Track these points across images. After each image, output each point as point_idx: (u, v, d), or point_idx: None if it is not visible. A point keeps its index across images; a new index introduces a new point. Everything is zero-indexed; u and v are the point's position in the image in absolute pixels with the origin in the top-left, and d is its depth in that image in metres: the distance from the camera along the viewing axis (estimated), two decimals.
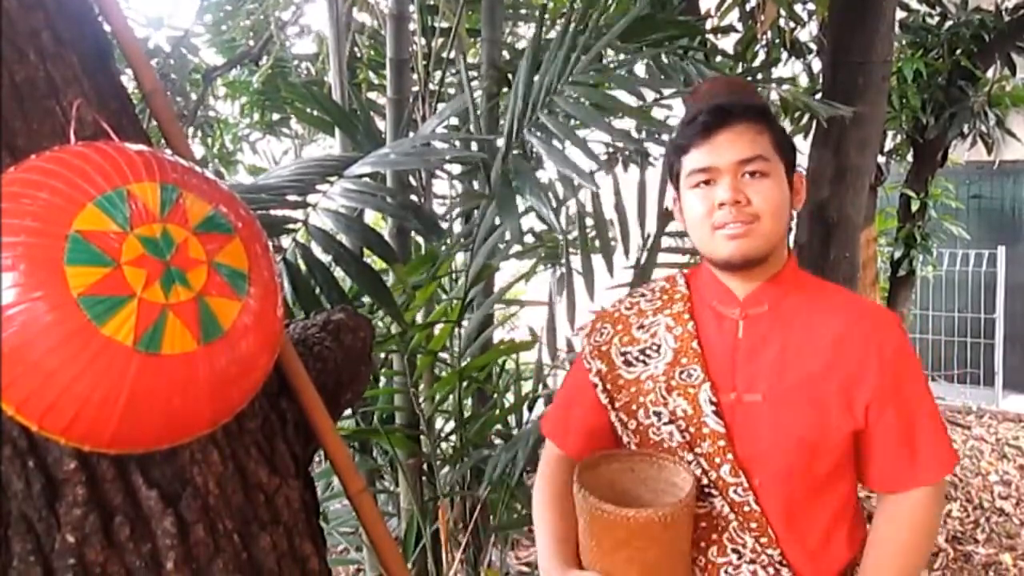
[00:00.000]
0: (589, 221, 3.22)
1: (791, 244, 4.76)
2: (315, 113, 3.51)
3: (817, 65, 5.67)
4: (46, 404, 0.99)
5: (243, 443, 1.31)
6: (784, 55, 5.45)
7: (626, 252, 3.11)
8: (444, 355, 3.34)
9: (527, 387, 3.71)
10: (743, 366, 1.69)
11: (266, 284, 1.16)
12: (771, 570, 1.65)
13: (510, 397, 3.64)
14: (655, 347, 1.78)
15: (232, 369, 1.10)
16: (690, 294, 1.81)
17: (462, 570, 3.07)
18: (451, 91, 4.05)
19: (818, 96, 4.56)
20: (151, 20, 5.06)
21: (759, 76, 4.60)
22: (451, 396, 3.18)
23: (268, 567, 1.29)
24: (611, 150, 4.21)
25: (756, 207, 1.63)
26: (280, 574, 1.31)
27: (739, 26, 4.98)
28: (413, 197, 3.27)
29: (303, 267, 2.22)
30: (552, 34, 3.50)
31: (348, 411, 2.79)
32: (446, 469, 3.22)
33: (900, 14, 5.94)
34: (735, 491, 1.66)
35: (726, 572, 1.68)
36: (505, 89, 3.42)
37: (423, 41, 3.77)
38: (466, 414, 3.26)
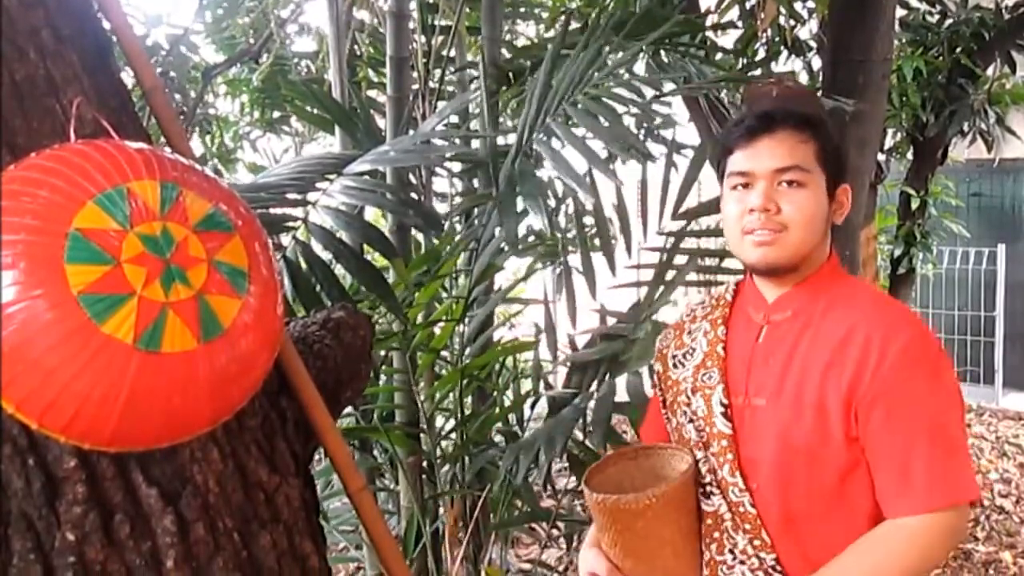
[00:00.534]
0: (589, 220, 3.21)
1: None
2: (315, 111, 3.51)
3: (817, 63, 5.67)
4: (46, 402, 0.99)
5: (243, 441, 1.31)
6: (784, 53, 5.44)
7: (628, 250, 3.11)
8: (444, 353, 3.34)
9: (527, 386, 3.70)
10: (757, 370, 1.70)
11: (266, 282, 1.16)
12: (761, 574, 1.65)
13: (511, 395, 3.64)
14: (692, 351, 1.84)
15: (232, 367, 1.10)
16: (733, 300, 1.85)
17: (462, 568, 3.07)
18: (451, 89, 4.05)
19: (818, 94, 4.56)
20: (150, 18, 5.06)
21: (759, 72, 4.60)
22: (451, 394, 3.18)
23: (268, 565, 1.29)
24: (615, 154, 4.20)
25: (786, 216, 1.63)
26: (280, 572, 1.31)
27: (739, 24, 4.98)
28: (413, 195, 3.27)
29: (303, 265, 2.22)
30: (551, 33, 3.50)
31: (348, 409, 2.80)
32: (446, 467, 3.22)
33: (900, 12, 5.93)
34: (733, 491, 1.67)
35: (722, 570, 1.69)
36: (505, 88, 3.42)
37: (423, 39, 3.77)
38: (466, 412, 3.26)
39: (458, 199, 3.74)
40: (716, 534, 1.70)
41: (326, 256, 2.33)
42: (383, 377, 3.28)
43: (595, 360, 3.10)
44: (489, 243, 2.92)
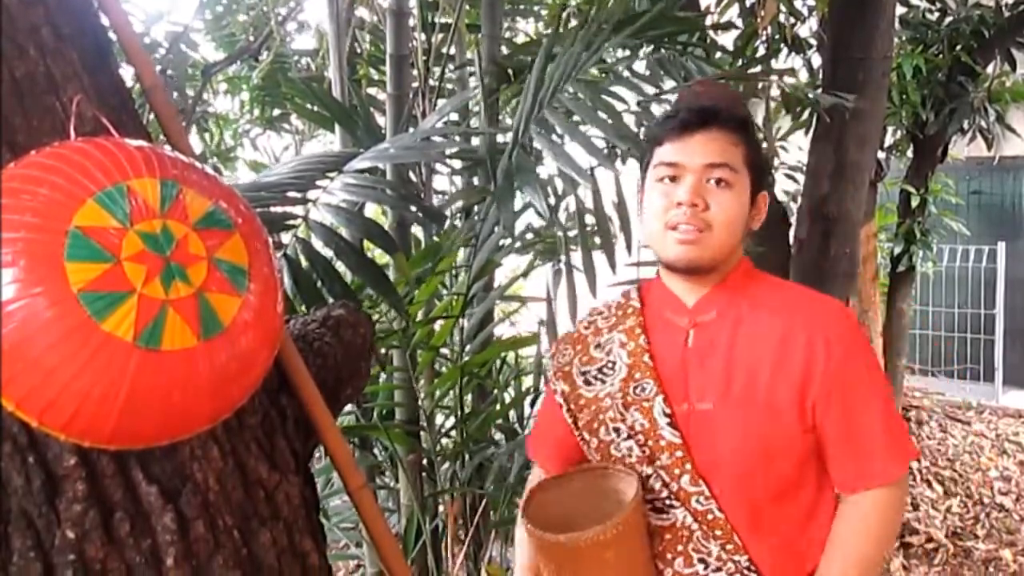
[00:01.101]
0: (590, 218, 3.21)
1: (791, 239, 4.77)
2: (315, 109, 3.51)
3: (817, 61, 5.67)
4: (46, 400, 0.99)
5: (243, 439, 1.31)
6: (784, 51, 5.44)
7: (628, 248, 3.11)
8: (444, 351, 3.34)
9: (527, 383, 3.71)
10: (694, 375, 1.68)
11: (266, 280, 1.16)
12: None
13: (511, 392, 3.65)
14: (611, 364, 1.77)
15: (232, 365, 1.10)
16: (643, 307, 1.80)
17: (462, 566, 3.08)
18: (451, 87, 4.05)
19: (818, 92, 4.56)
20: (150, 15, 5.05)
21: (759, 69, 4.60)
22: (451, 392, 3.18)
23: (268, 563, 1.29)
24: (611, 145, 4.20)
25: (712, 215, 1.63)
26: (280, 570, 1.31)
27: (739, 22, 4.97)
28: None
29: (304, 262, 2.22)
30: (550, 30, 3.50)
31: (348, 407, 2.80)
32: (446, 465, 3.22)
33: (900, 10, 5.92)
34: (697, 500, 1.65)
35: None
36: (504, 85, 3.42)
37: (423, 37, 3.77)
38: (466, 410, 3.26)
39: (459, 195, 3.74)
40: (680, 547, 1.68)
41: (327, 253, 2.33)
42: (383, 375, 3.28)
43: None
44: (488, 239, 2.92)
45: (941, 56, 6.55)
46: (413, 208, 2.73)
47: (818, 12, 5.17)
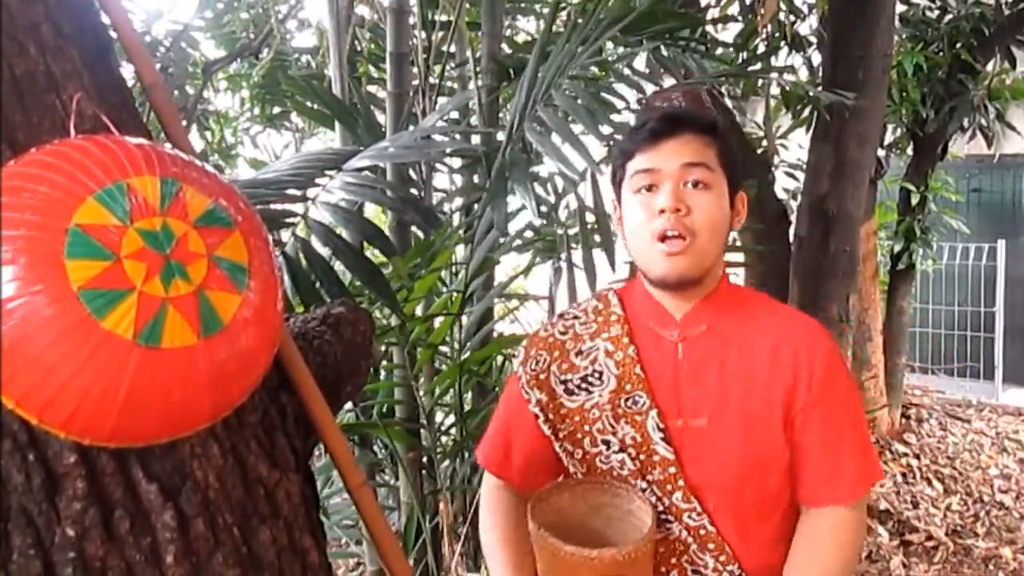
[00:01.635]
0: (590, 216, 3.22)
1: (791, 237, 4.79)
2: (315, 107, 3.51)
3: (817, 59, 5.67)
4: (46, 398, 0.99)
5: (243, 437, 1.31)
6: (784, 48, 5.44)
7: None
8: (444, 348, 3.34)
9: None
10: (687, 390, 1.67)
11: (266, 278, 1.16)
12: None
13: None
14: (597, 374, 1.72)
15: (232, 363, 1.10)
16: (626, 315, 1.76)
17: (462, 563, 3.08)
18: (451, 85, 4.05)
19: (818, 90, 4.56)
20: (151, 14, 5.06)
21: (759, 66, 4.60)
22: (451, 390, 3.19)
23: (268, 561, 1.29)
24: (610, 143, 4.20)
25: (695, 220, 1.60)
26: (280, 568, 1.31)
27: (739, 19, 4.98)
28: (413, 191, 3.27)
29: (303, 261, 2.22)
30: (552, 29, 3.49)
31: (348, 405, 2.80)
32: (446, 463, 3.22)
33: (900, 8, 5.93)
34: (689, 516, 1.65)
35: None
36: (505, 83, 3.42)
37: (423, 35, 3.76)
38: (466, 408, 3.26)
39: (457, 193, 3.74)
40: (674, 560, 1.68)
41: (325, 252, 2.32)
42: (383, 372, 3.29)
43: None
44: (485, 236, 2.92)
45: (941, 54, 6.55)
46: (411, 210, 2.72)
47: (818, 10, 5.18)
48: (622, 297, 1.80)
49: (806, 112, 5.28)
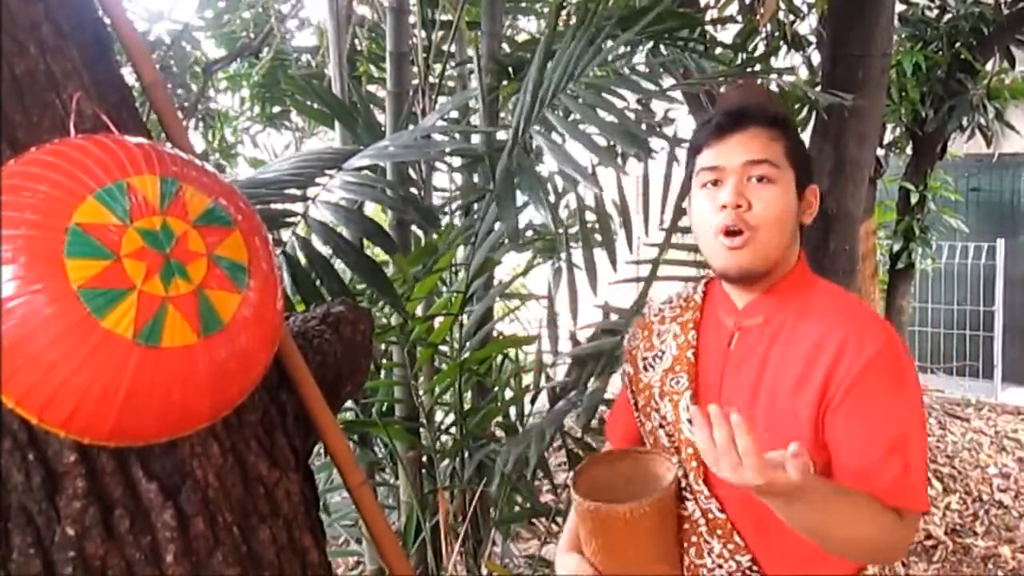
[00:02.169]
0: (590, 216, 3.22)
1: None
2: (315, 106, 3.50)
3: (816, 58, 5.67)
4: (46, 397, 0.99)
5: (243, 436, 1.32)
6: (783, 48, 5.44)
7: (629, 246, 3.11)
8: (444, 348, 3.34)
9: (527, 380, 3.70)
10: (729, 379, 1.69)
11: (266, 277, 1.16)
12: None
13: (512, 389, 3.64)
14: (661, 354, 1.82)
15: (232, 362, 1.10)
16: (703, 303, 1.82)
17: (462, 562, 3.08)
18: (451, 84, 4.05)
19: (817, 89, 4.56)
20: (152, 13, 5.06)
21: (758, 67, 4.60)
22: (451, 389, 3.19)
23: (268, 560, 1.29)
24: (611, 143, 4.20)
25: (757, 214, 1.60)
26: (280, 567, 1.31)
27: (739, 19, 4.97)
28: (413, 190, 3.27)
29: (303, 260, 2.22)
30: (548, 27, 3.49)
31: (348, 403, 2.80)
32: (446, 462, 3.22)
33: (899, 7, 5.93)
34: (700, 498, 1.68)
35: (703, 574, 1.69)
36: (505, 83, 3.42)
37: (423, 34, 3.76)
38: (466, 407, 3.26)
39: (458, 194, 3.74)
40: (694, 538, 1.70)
41: (326, 251, 2.32)
42: (382, 371, 3.28)
43: (595, 355, 3.10)
44: (487, 237, 2.92)
45: (940, 53, 6.56)
46: (411, 209, 2.72)
47: (817, 9, 5.17)
48: (708, 285, 1.86)
49: (804, 112, 5.27)
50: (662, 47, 3.22)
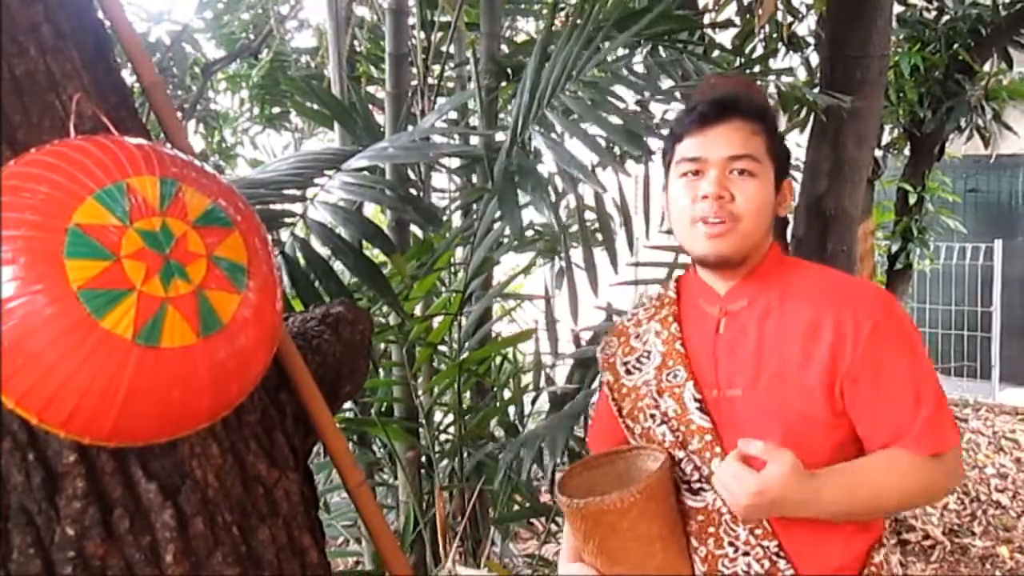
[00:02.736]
0: (590, 215, 3.22)
1: (788, 238, 4.77)
2: (314, 107, 3.50)
3: (815, 59, 5.67)
4: (46, 397, 0.99)
5: (242, 436, 1.32)
6: (782, 49, 5.44)
7: (629, 246, 3.12)
8: (443, 348, 3.35)
9: (527, 381, 3.71)
10: (724, 362, 1.70)
11: (265, 277, 1.17)
12: (766, 562, 1.64)
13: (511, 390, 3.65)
14: (647, 353, 1.82)
15: (231, 362, 1.10)
16: (678, 297, 1.84)
17: (460, 562, 3.08)
18: (450, 85, 4.05)
19: (816, 90, 4.56)
20: (152, 15, 5.06)
21: (757, 68, 4.60)
22: (450, 389, 3.19)
23: (267, 560, 1.29)
24: (610, 143, 4.20)
25: (738, 206, 1.63)
26: (279, 567, 1.31)
27: (737, 20, 4.97)
28: (412, 190, 3.27)
29: (302, 260, 2.22)
30: (552, 29, 3.49)
31: (347, 403, 2.80)
32: (445, 462, 3.23)
33: (897, 8, 5.93)
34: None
35: (723, 563, 1.68)
36: (504, 83, 3.42)
37: (422, 35, 3.76)
38: (465, 407, 3.26)
39: (457, 195, 3.74)
40: (712, 529, 1.69)
41: (324, 252, 2.33)
42: (381, 371, 3.29)
43: (596, 356, 3.10)
44: (485, 237, 2.92)
45: (938, 54, 6.56)
46: (410, 209, 2.73)
47: (816, 10, 5.17)
48: (680, 282, 1.88)
49: (802, 113, 5.27)
50: (660, 49, 3.22)
